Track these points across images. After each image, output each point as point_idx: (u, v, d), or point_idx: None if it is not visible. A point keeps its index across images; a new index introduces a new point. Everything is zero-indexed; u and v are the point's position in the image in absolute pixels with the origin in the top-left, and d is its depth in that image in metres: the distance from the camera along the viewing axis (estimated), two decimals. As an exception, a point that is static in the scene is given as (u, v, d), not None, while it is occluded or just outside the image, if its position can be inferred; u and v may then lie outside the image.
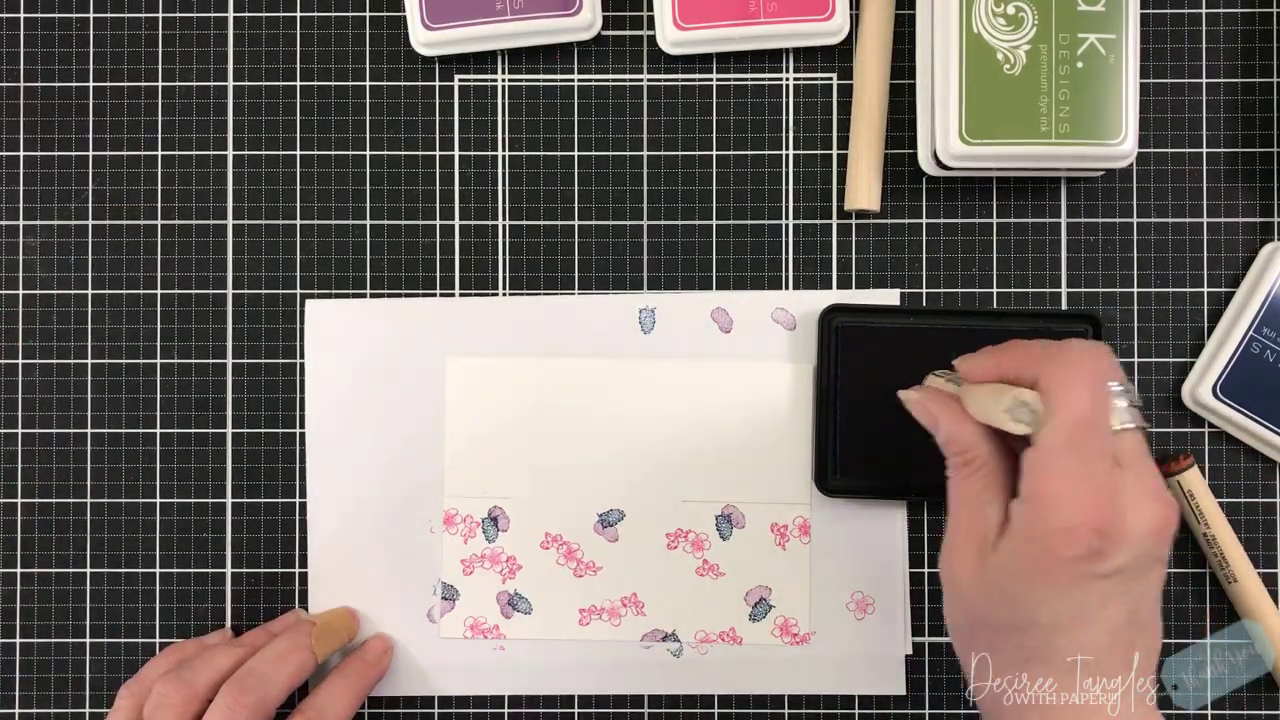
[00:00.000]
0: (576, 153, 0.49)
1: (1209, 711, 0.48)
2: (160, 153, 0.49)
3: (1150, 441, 0.39)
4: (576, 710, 0.49)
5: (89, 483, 0.49)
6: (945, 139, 0.45)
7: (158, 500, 0.49)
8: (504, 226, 0.49)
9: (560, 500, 0.49)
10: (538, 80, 0.49)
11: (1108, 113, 0.44)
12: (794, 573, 0.48)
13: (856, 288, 0.49)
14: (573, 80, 0.49)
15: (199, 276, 0.49)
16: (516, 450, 0.49)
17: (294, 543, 0.49)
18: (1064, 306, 0.49)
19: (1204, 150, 0.49)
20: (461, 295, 0.49)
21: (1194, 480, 0.47)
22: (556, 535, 0.49)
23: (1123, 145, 0.44)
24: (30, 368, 0.49)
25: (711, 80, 0.49)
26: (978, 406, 0.38)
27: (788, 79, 0.49)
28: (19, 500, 0.49)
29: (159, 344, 0.49)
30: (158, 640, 0.49)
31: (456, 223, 0.49)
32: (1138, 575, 0.35)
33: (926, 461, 0.47)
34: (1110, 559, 0.34)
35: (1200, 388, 0.47)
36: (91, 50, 0.49)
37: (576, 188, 0.49)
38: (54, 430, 0.49)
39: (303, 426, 0.49)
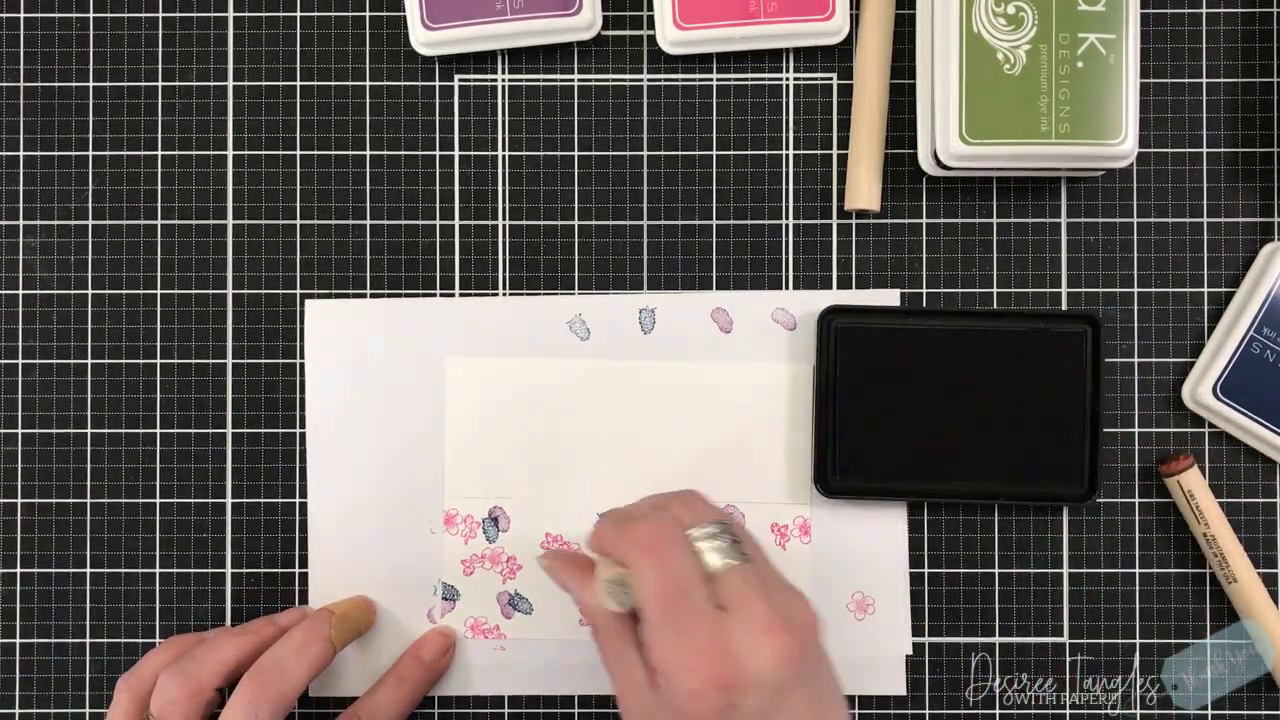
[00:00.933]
0: (576, 153, 0.49)
1: (1209, 711, 0.48)
2: (160, 153, 0.49)
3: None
4: (576, 710, 0.49)
5: (89, 483, 0.49)
6: (945, 139, 0.45)
7: (158, 500, 0.49)
8: (504, 226, 0.49)
9: (560, 500, 0.49)
10: (538, 80, 0.49)
11: (1108, 113, 0.44)
12: (794, 573, 0.48)
13: (856, 288, 0.49)
14: (573, 80, 0.49)
15: (199, 276, 0.49)
16: (516, 450, 0.49)
17: (294, 543, 0.49)
18: (1064, 306, 0.49)
19: (1204, 150, 0.49)
20: (461, 295, 0.49)
21: (1194, 480, 0.47)
22: (557, 535, 0.49)
23: (1123, 145, 0.44)
24: (30, 368, 0.49)
25: (711, 80, 0.49)
26: (597, 582, 0.39)
27: (788, 79, 0.49)
28: (19, 500, 0.49)
29: (159, 344, 0.49)
30: (158, 640, 0.49)
31: (456, 223, 0.49)
32: (778, 704, 0.36)
33: (926, 462, 0.48)
34: (744, 704, 0.35)
35: (1200, 388, 0.47)
36: (91, 50, 0.49)
37: (576, 188, 0.49)
38: (54, 430, 0.49)
39: (303, 426, 0.49)
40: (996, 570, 0.49)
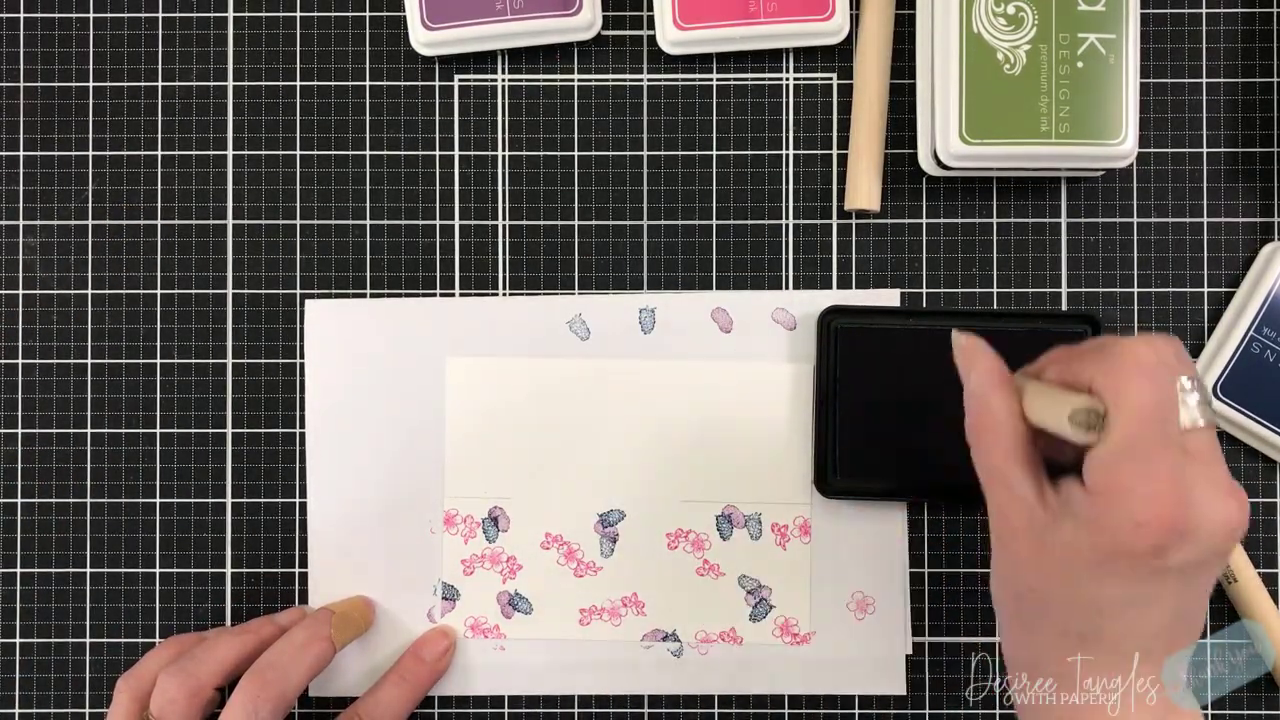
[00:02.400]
0: (576, 153, 0.49)
1: (1209, 711, 0.48)
2: (160, 153, 0.49)
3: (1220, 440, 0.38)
4: (576, 710, 0.49)
5: (89, 483, 0.49)
6: (945, 139, 0.45)
7: (158, 500, 0.49)
8: (504, 226, 0.49)
9: (560, 500, 0.49)
10: (538, 80, 0.49)
11: (1108, 113, 0.44)
12: (794, 573, 0.48)
13: (856, 288, 0.49)
14: (573, 80, 0.49)
15: (199, 276, 0.49)
16: (516, 450, 0.49)
17: (294, 543, 0.49)
18: (1064, 307, 0.49)
19: (1204, 150, 0.49)
20: (461, 295, 0.49)
21: (1194, 480, 0.47)
22: (557, 535, 0.49)
23: (1123, 145, 0.44)
24: (30, 368, 0.49)
25: (711, 80, 0.49)
26: (1037, 407, 0.36)
27: (788, 79, 0.49)
28: (19, 500, 0.49)
29: (159, 344, 0.49)
30: (158, 640, 0.49)
31: (456, 223, 0.49)
32: (1199, 570, 0.35)
33: (926, 462, 0.48)
34: (1179, 553, 0.34)
35: (1200, 388, 0.47)
36: (91, 50, 0.49)
37: (576, 188, 0.49)
38: (54, 430, 0.49)
39: (303, 426, 0.49)
40: (996, 570, 0.49)
